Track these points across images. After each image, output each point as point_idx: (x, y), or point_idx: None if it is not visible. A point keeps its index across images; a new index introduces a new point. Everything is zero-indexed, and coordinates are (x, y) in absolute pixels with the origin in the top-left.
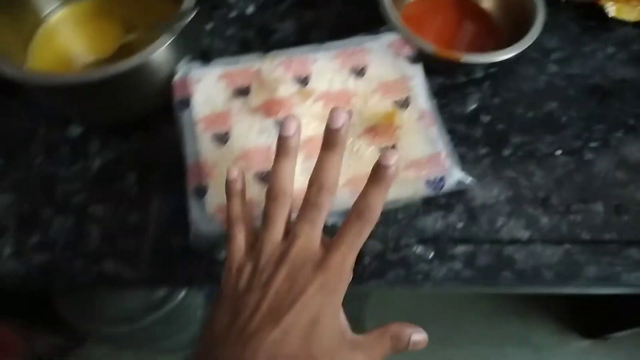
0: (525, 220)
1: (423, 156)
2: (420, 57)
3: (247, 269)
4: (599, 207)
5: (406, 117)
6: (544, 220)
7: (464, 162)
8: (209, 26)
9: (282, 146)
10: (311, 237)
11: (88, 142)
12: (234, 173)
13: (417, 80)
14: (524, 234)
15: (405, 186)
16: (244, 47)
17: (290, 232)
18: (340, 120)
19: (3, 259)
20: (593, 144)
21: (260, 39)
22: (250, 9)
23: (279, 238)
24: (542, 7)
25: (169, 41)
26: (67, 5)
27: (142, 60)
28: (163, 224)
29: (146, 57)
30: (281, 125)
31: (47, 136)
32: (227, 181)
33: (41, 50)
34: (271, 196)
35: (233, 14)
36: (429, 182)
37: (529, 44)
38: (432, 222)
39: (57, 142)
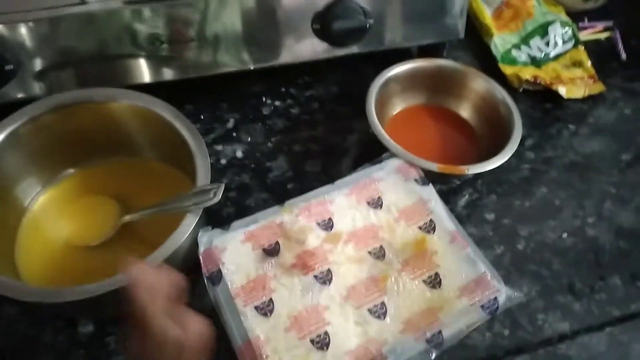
0: (561, 310)
1: (470, 280)
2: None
3: None
4: (616, 280)
5: (437, 241)
6: (576, 306)
7: None
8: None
9: None
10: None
11: (104, 339)
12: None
13: (434, 202)
14: (565, 326)
15: (463, 315)
16: (244, 193)
17: None
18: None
19: None
20: (590, 220)
21: (258, 180)
22: (239, 153)
23: None
24: (515, 108)
25: (196, 220)
26: (47, 190)
27: (172, 249)
28: None
29: (174, 246)
30: None
31: (55, 342)
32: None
33: (29, 242)
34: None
35: (223, 161)
36: (484, 307)
37: (517, 145)
38: (480, 337)
39: (68, 347)
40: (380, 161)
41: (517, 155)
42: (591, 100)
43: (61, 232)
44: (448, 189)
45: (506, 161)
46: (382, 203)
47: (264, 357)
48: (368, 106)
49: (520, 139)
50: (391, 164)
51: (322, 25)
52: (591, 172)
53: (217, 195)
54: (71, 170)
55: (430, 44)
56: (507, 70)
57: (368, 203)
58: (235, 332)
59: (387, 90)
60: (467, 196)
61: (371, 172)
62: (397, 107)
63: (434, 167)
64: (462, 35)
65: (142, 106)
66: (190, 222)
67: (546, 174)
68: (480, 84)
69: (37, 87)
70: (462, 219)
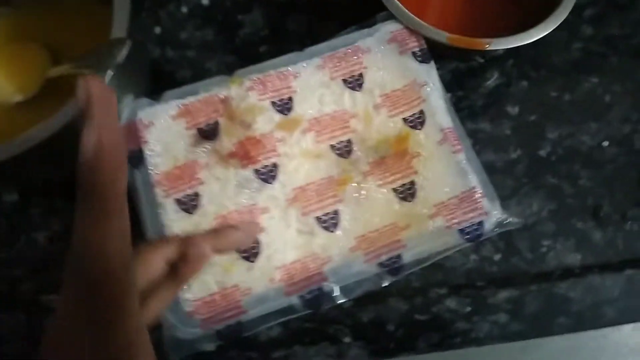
0: (575, 239)
1: (453, 195)
2: (429, 47)
3: None
4: None
5: (423, 140)
6: (597, 236)
7: (493, 172)
8: (157, 30)
9: None
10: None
11: (28, 209)
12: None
13: (431, 86)
14: (576, 259)
15: (434, 238)
16: (205, 53)
17: None
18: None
19: None
20: None
21: (224, 37)
22: (205, 0)
23: None
24: None
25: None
26: None
27: (74, 112)
28: None
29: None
30: None
31: None
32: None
33: None
34: None
35: (184, 9)
36: (463, 231)
37: (566, 15)
38: (463, 258)
39: None
40: (371, 24)
41: (570, 28)
42: None
43: None
44: (467, 68)
45: (552, 35)
46: (362, 82)
47: None
48: None
49: (579, 7)
50: (385, 28)
51: None
52: None
53: (119, 55)
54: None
55: None
56: None
57: (344, 81)
58: (149, 226)
59: None
60: (489, 80)
61: (357, 38)
62: None
63: (443, 36)
64: None
65: None
66: None
67: (603, 59)
68: None
69: None
70: (475, 110)
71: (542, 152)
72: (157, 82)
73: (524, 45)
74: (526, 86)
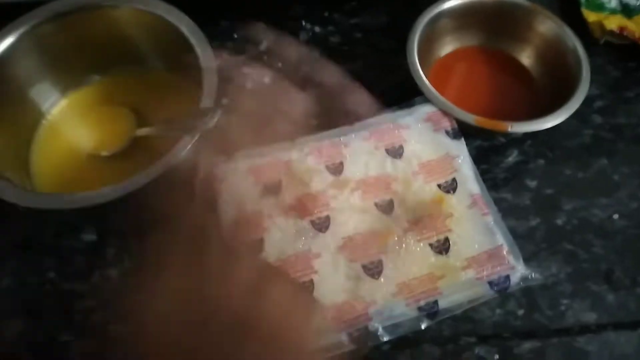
0: (591, 300)
1: (482, 251)
2: (459, 127)
3: None
4: None
5: (456, 204)
6: (610, 297)
7: (515, 236)
8: (224, 101)
9: None
10: None
11: (104, 248)
12: None
13: (462, 158)
14: (591, 317)
15: (466, 288)
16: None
17: None
18: None
19: None
20: None
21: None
22: (266, 78)
23: None
24: (585, 60)
25: (192, 142)
26: (68, 95)
27: (165, 167)
28: None
29: (169, 163)
30: None
31: (58, 246)
32: None
33: (45, 147)
34: None
35: (249, 84)
36: (492, 283)
37: (580, 102)
38: (490, 312)
39: (70, 252)
40: (410, 105)
41: (581, 117)
42: None
43: (76, 139)
44: (490, 146)
45: (566, 123)
46: (402, 152)
47: None
48: (410, 41)
49: (590, 100)
50: (422, 110)
51: None
52: None
53: (211, 120)
54: (92, 78)
55: None
56: (590, 16)
57: (387, 150)
58: None
59: (438, 25)
60: (510, 157)
61: (397, 116)
62: (448, 46)
63: (471, 119)
64: None
65: (148, 11)
66: (182, 147)
67: (611, 144)
68: (548, 26)
69: None
70: (497, 182)
71: (559, 221)
72: (223, 144)
73: (539, 130)
74: (543, 164)
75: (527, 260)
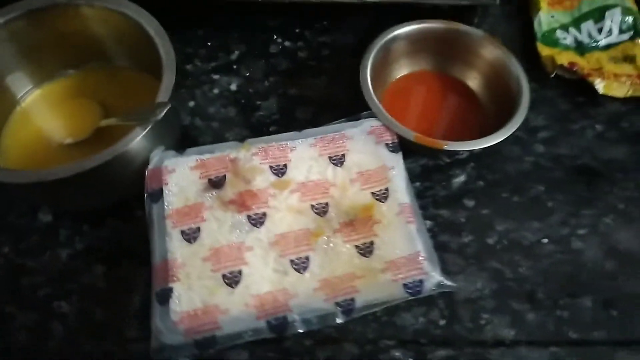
0: (511, 317)
1: (402, 256)
2: (402, 142)
3: None
4: (587, 301)
5: (385, 211)
6: (530, 316)
7: (447, 250)
8: (191, 104)
9: None
10: None
11: (58, 230)
12: None
13: (397, 170)
14: (509, 334)
15: (383, 289)
16: (226, 126)
17: None
18: None
19: None
20: (581, 231)
21: (243, 116)
22: (233, 86)
23: None
24: (526, 87)
25: (142, 133)
26: (42, 86)
27: (115, 153)
28: (129, 323)
29: (119, 150)
30: None
31: (16, 223)
32: None
33: (15, 133)
34: None
35: (216, 90)
36: (407, 286)
37: (515, 128)
38: (413, 319)
39: (26, 231)
40: (357, 118)
41: (524, 144)
42: (633, 103)
43: (46, 127)
44: (435, 165)
45: (509, 149)
46: (344, 161)
47: (174, 278)
48: (364, 59)
49: (535, 129)
50: (367, 123)
51: None
52: (602, 182)
53: (159, 114)
54: (66, 72)
55: (462, 5)
56: (544, 51)
57: (330, 158)
58: (157, 250)
59: (394, 48)
60: (452, 177)
61: (344, 127)
62: (403, 69)
63: (411, 135)
64: (498, 0)
65: (115, 10)
66: (134, 135)
67: (549, 172)
68: (494, 53)
69: None
70: (438, 199)
71: (490, 240)
72: (183, 142)
73: (484, 152)
74: (482, 185)
75: (454, 274)
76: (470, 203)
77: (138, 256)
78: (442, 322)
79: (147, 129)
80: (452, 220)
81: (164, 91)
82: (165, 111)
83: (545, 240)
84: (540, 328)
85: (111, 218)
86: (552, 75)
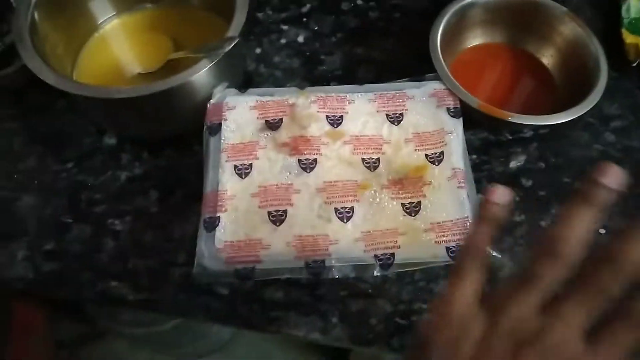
0: None
1: (448, 219)
2: (464, 110)
3: (476, 327)
4: None
5: (437, 174)
6: None
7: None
8: (257, 50)
9: (588, 192)
10: (578, 330)
11: (120, 153)
12: (503, 195)
13: (455, 135)
14: None
15: (425, 248)
16: (288, 76)
17: (551, 307)
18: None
19: (15, 262)
20: None
21: (306, 68)
22: (301, 38)
23: (533, 308)
24: (605, 70)
25: (209, 66)
26: (122, 16)
27: (180, 81)
28: (175, 248)
29: (185, 79)
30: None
31: (83, 143)
32: (486, 201)
33: (91, 56)
34: (551, 251)
35: (283, 40)
36: (450, 249)
37: (586, 110)
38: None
39: (91, 151)
40: (421, 79)
41: (595, 132)
42: None
43: (120, 56)
44: (495, 140)
45: (578, 135)
46: (401, 120)
47: (222, 208)
48: (437, 22)
49: (608, 118)
50: (430, 85)
51: None
52: None
53: (227, 47)
54: (145, 5)
55: None
56: (628, 38)
57: (387, 115)
58: (209, 180)
59: (469, 14)
60: (512, 155)
61: (406, 86)
62: (476, 39)
63: (475, 102)
64: None
65: None
66: (200, 65)
67: (617, 163)
68: (575, 31)
69: None
70: (494, 175)
71: (543, 223)
72: (246, 85)
73: (550, 134)
74: (543, 167)
75: (502, 252)
76: (527, 183)
77: (192, 188)
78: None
79: (213, 62)
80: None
81: (234, 28)
82: (232, 45)
83: (603, 231)
84: None
85: (170, 149)
86: (634, 64)
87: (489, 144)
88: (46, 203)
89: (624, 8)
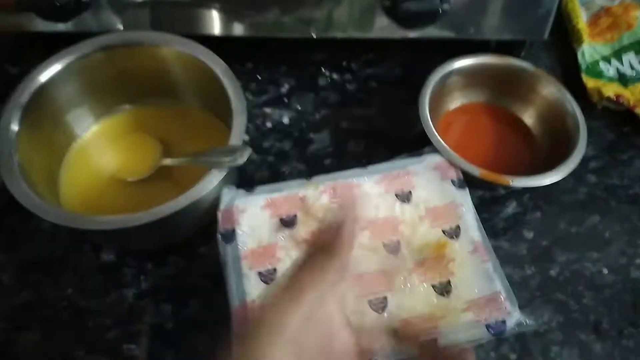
0: (579, 349)
1: (482, 296)
2: (465, 179)
3: None
4: None
5: (458, 249)
6: (597, 347)
7: (511, 283)
8: (245, 137)
9: None
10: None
11: (122, 269)
12: None
13: (466, 207)
14: None
15: (465, 329)
16: (281, 160)
17: None
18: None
19: None
20: (639, 261)
21: (298, 150)
22: (285, 119)
23: None
24: (583, 125)
25: (221, 177)
26: (101, 121)
27: (190, 200)
28: None
29: (195, 197)
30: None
31: (79, 264)
32: None
33: (75, 168)
34: None
35: (269, 124)
36: (489, 326)
37: (576, 164)
38: (484, 354)
39: (89, 271)
40: (420, 154)
41: (577, 176)
42: None
43: (104, 164)
44: (491, 196)
45: (563, 180)
46: (411, 197)
47: None
48: (422, 95)
49: (586, 160)
50: (430, 159)
51: (393, 3)
52: None
53: (242, 158)
54: (124, 107)
55: (509, 40)
56: (590, 82)
57: (396, 195)
58: (234, 292)
59: (449, 82)
60: (509, 208)
61: (408, 163)
62: (456, 101)
63: (476, 171)
64: (546, 35)
65: (189, 53)
66: (212, 179)
67: (604, 203)
68: (550, 90)
69: (112, 21)
70: (497, 231)
71: (552, 272)
72: (241, 178)
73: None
74: (539, 216)
75: (521, 307)
76: (529, 234)
77: (206, 295)
78: (513, 357)
79: (225, 174)
80: (513, 252)
81: (237, 134)
82: (247, 156)
83: (605, 271)
84: (608, 358)
85: (175, 256)
86: (600, 107)
87: (486, 201)
88: (52, 338)
89: (579, 54)
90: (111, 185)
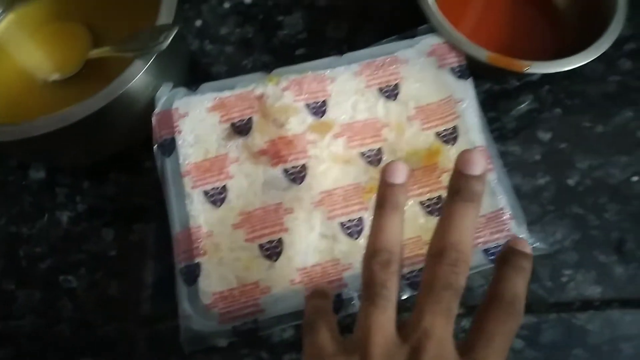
0: (596, 271)
1: (481, 215)
2: (470, 67)
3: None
4: None
5: (454, 156)
6: (619, 270)
7: (520, 196)
8: (198, 23)
9: (388, 196)
10: (445, 336)
11: (54, 188)
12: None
13: (467, 103)
14: (596, 292)
15: None
16: (243, 50)
17: (411, 323)
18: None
19: None
20: None
21: (263, 36)
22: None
23: (392, 328)
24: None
25: (145, 67)
26: (14, 9)
27: (111, 97)
28: (148, 301)
29: (116, 92)
30: (384, 170)
31: (4, 184)
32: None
33: None
34: (378, 261)
35: (227, 5)
36: (488, 252)
37: (608, 46)
38: (481, 281)
39: (17, 192)
40: (413, 35)
41: (608, 60)
42: None
43: (25, 61)
44: (501, 90)
45: (590, 66)
46: (398, 93)
47: (201, 252)
48: None
49: (620, 41)
50: (426, 41)
51: None
52: None
53: (166, 40)
54: None
55: None
56: None
57: (380, 90)
58: (175, 216)
59: None
60: (523, 104)
61: (397, 48)
62: None
63: (483, 55)
64: None
65: None
66: (133, 70)
67: (638, 95)
68: None
69: None
70: (506, 133)
71: (570, 181)
72: (193, 74)
73: (560, 72)
74: (559, 113)
75: (529, 224)
76: (545, 136)
77: (153, 216)
78: None
79: (149, 62)
80: (524, 159)
81: (167, 10)
82: (172, 36)
83: (636, 178)
84: (631, 284)
85: (115, 172)
86: None
87: (494, 95)
88: None
89: None
90: (37, 87)
